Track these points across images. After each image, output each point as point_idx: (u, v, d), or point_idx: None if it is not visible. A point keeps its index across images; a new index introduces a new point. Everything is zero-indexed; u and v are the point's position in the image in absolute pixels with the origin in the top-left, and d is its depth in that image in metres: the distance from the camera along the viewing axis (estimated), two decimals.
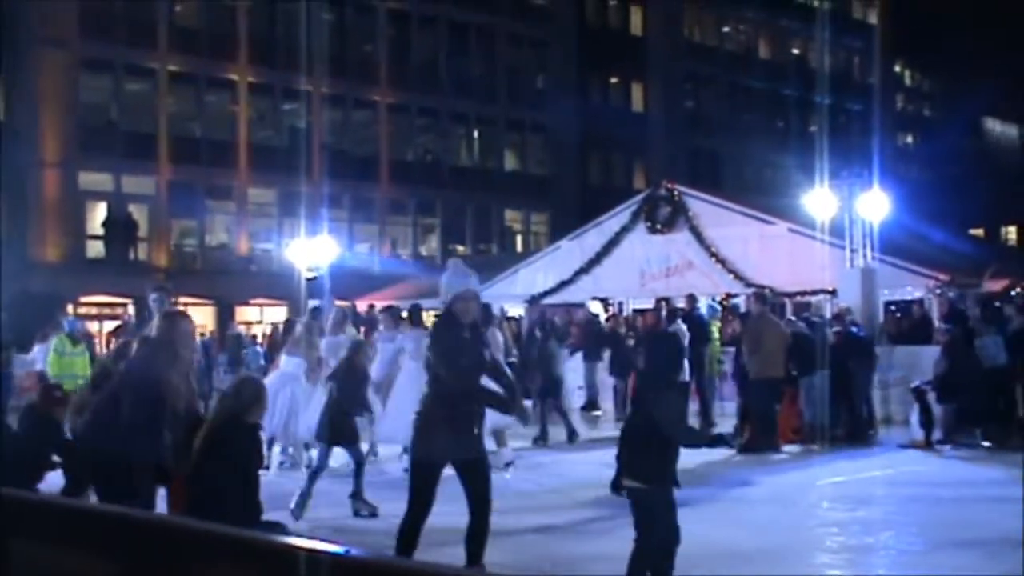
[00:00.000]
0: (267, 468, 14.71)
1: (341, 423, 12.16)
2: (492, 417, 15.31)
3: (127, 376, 8.39)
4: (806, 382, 17.75)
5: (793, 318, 19.98)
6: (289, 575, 3.32)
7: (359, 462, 12.19)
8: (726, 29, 63.78)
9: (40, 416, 10.31)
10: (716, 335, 21.18)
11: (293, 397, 15.02)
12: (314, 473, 12.05)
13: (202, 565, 3.75)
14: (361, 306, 30.89)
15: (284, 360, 15.52)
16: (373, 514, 11.73)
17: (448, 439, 8.21)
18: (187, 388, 8.49)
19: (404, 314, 16.93)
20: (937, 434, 17.19)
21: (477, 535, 8.11)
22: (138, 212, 42.33)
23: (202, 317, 37.15)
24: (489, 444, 15.50)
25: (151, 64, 42.12)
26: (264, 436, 14.46)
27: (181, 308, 9.07)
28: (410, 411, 14.13)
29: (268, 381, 14.60)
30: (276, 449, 15.43)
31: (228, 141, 44.57)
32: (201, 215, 44.38)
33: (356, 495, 11.97)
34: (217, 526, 3.96)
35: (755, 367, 17.27)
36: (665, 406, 7.78)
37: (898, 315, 24.81)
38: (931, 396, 17.41)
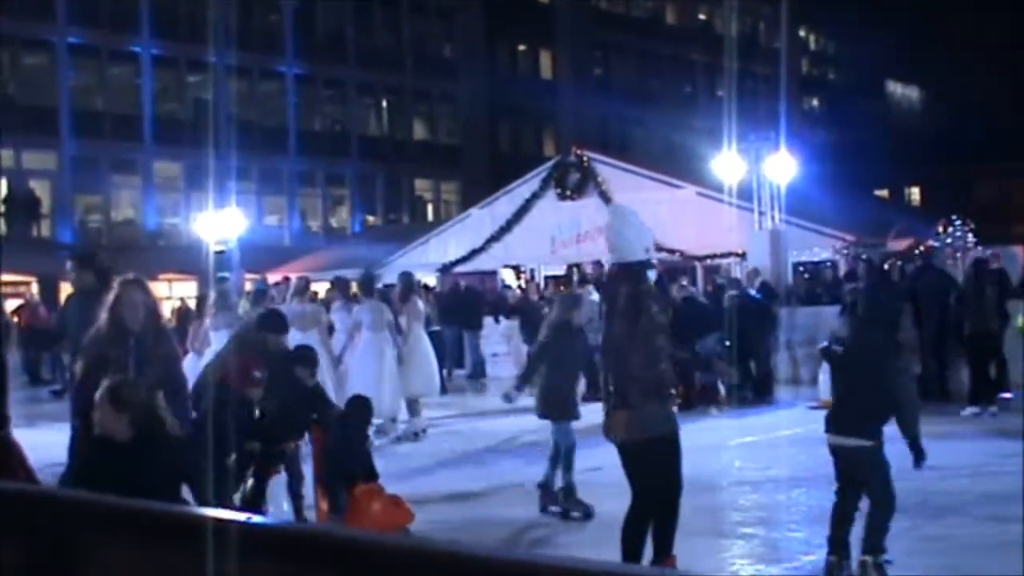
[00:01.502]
0: None
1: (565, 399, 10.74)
2: (409, 386, 15.53)
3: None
4: (700, 345, 18.00)
5: (684, 283, 20.17)
6: (196, 546, 3.27)
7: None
8: None
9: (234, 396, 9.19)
10: None
11: None
12: (558, 457, 10.58)
13: (105, 540, 3.69)
14: (273, 279, 30.63)
15: (212, 338, 14.97)
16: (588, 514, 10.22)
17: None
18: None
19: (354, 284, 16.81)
20: None
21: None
22: (40, 188, 41.53)
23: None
24: (403, 414, 15.69)
25: (50, 36, 41.26)
26: None
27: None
28: (372, 383, 14.46)
29: (203, 364, 14.47)
30: None
31: (132, 114, 43.87)
32: (106, 190, 43.71)
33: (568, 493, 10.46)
34: (119, 499, 3.89)
35: None
36: (890, 358, 7.69)
37: (806, 276, 25.13)
38: None
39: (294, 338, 14.90)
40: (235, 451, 8.43)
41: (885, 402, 7.61)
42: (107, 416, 6.33)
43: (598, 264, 21.76)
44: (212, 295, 16.03)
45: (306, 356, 9.64)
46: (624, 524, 7.50)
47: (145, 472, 6.03)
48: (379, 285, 17.69)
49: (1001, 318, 16.64)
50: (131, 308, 7.86)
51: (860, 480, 7.71)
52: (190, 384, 8.72)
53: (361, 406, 9.74)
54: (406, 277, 16.82)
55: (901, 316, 8.50)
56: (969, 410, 15.81)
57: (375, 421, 15.04)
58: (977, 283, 16.78)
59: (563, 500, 10.23)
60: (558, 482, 10.33)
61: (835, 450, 7.82)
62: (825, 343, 17.94)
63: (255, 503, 8.77)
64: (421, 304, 16.73)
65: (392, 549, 3.01)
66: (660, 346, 7.31)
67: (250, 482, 8.93)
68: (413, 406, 15.57)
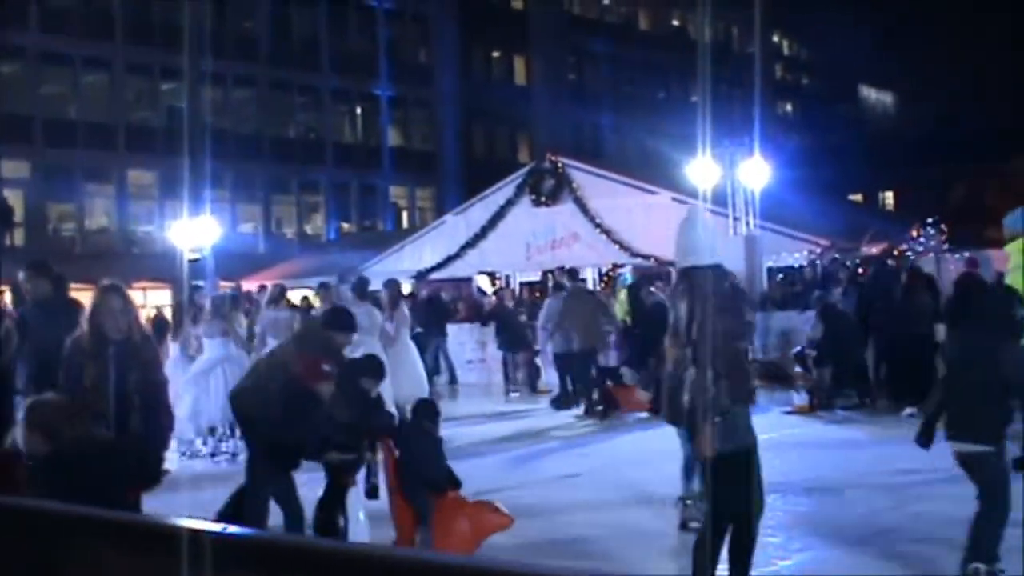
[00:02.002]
0: (213, 456, 14.63)
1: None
2: (397, 392, 15.61)
3: None
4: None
5: (653, 289, 20.26)
6: (171, 555, 3.27)
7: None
8: (606, 2, 64.17)
9: (304, 392, 8.76)
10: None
11: (228, 379, 14.69)
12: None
13: (81, 550, 3.67)
14: (248, 286, 30.53)
15: (205, 343, 15.13)
16: None
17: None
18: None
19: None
20: (819, 399, 17.50)
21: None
22: (13, 197, 41.22)
23: (84, 302, 36.44)
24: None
25: (22, 44, 41.04)
26: (203, 425, 14.34)
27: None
28: None
29: (195, 369, 14.47)
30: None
31: (106, 123, 43.72)
32: (79, 199, 43.55)
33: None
34: (94, 509, 3.87)
35: (579, 340, 17.83)
36: (1013, 358, 7.25)
37: (781, 280, 25.21)
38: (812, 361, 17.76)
39: (270, 344, 15.00)
40: (313, 450, 8.29)
41: (1005, 403, 7.32)
42: (25, 433, 6.33)
43: (572, 272, 21.76)
44: (207, 303, 16.08)
45: (372, 367, 9.39)
46: (696, 540, 7.24)
47: (63, 486, 5.98)
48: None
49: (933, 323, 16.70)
50: (109, 315, 7.78)
51: (977, 483, 7.38)
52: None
53: (430, 410, 9.35)
54: (394, 284, 17.04)
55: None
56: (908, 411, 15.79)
57: None
58: (910, 289, 17.03)
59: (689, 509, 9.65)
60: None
61: (957, 456, 7.47)
62: (799, 348, 18.16)
63: (330, 514, 8.52)
64: (407, 311, 16.86)
65: (371, 559, 3.01)
66: (743, 351, 7.17)
67: (324, 493, 8.69)
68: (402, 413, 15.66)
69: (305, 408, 8.31)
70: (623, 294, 21.30)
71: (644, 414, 17.30)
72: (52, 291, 9.72)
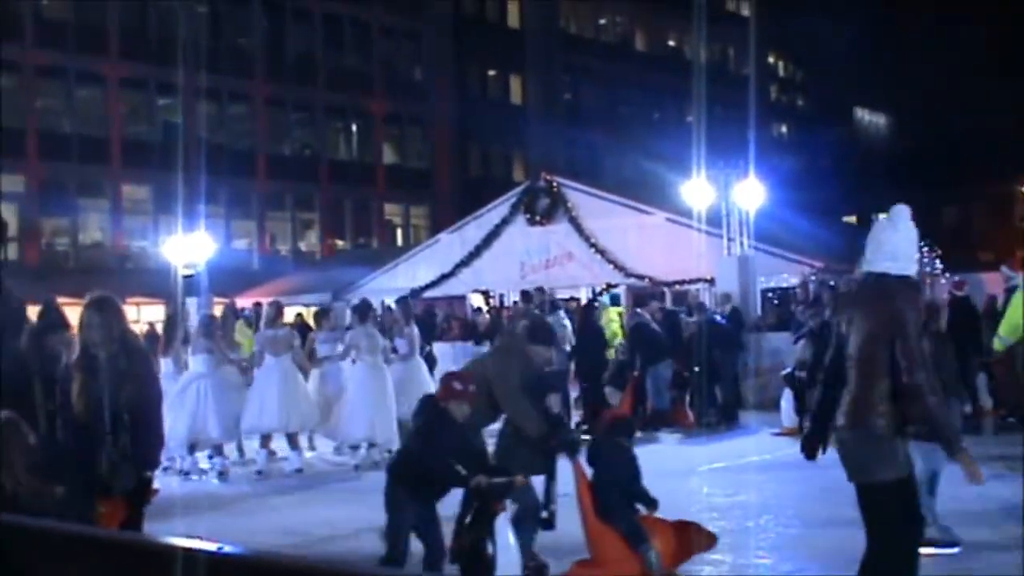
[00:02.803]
0: (186, 473, 14.60)
1: None
2: (405, 410, 15.70)
3: None
4: (652, 371, 18.23)
5: (639, 310, 20.33)
6: (166, 575, 3.26)
7: None
8: (602, 21, 64.24)
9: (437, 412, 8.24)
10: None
11: (201, 395, 14.70)
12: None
13: (75, 569, 3.66)
14: (242, 302, 30.52)
15: (192, 360, 15.18)
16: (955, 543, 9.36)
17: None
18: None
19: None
20: (807, 420, 17.49)
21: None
22: (7, 211, 41.28)
23: (76, 317, 36.33)
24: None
25: (17, 59, 41.02)
26: (183, 440, 14.34)
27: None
28: (372, 406, 14.75)
29: (177, 386, 14.50)
30: (202, 454, 15.30)
31: (100, 137, 43.73)
32: (73, 213, 43.51)
33: None
34: (89, 528, 3.87)
35: None
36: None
37: (775, 302, 25.23)
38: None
39: (268, 362, 15.04)
40: (443, 469, 7.82)
41: None
42: None
43: (540, 290, 21.87)
44: (197, 321, 16.21)
45: (557, 383, 9.13)
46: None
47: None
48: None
49: None
50: (89, 330, 7.75)
51: None
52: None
53: (625, 426, 9.00)
54: (405, 302, 17.38)
55: None
56: None
57: (377, 446, 15.16)
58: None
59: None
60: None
61: None
62: (789, 369, 18.17)
63: (477, 543, 7.95)
64: (417, 330, 17.09)
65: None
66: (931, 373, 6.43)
67: (470, 519, 8.07)
68: (402, 428, 15.76)
69: (434, 430, 7.95)
70: (604, 317, 21.28)
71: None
72: None
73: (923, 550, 7.85)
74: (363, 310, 15.97)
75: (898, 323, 6.32)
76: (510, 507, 8.25)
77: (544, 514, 8.65)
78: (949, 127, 64.62)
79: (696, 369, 18.57)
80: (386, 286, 30.30)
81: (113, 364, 7.56)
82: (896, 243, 6.60)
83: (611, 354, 20.77)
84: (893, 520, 6.46)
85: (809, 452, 6.80)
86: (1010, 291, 18.21)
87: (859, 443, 6.45)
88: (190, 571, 3.18)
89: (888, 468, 6.39)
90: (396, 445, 15.34)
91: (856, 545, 9.42)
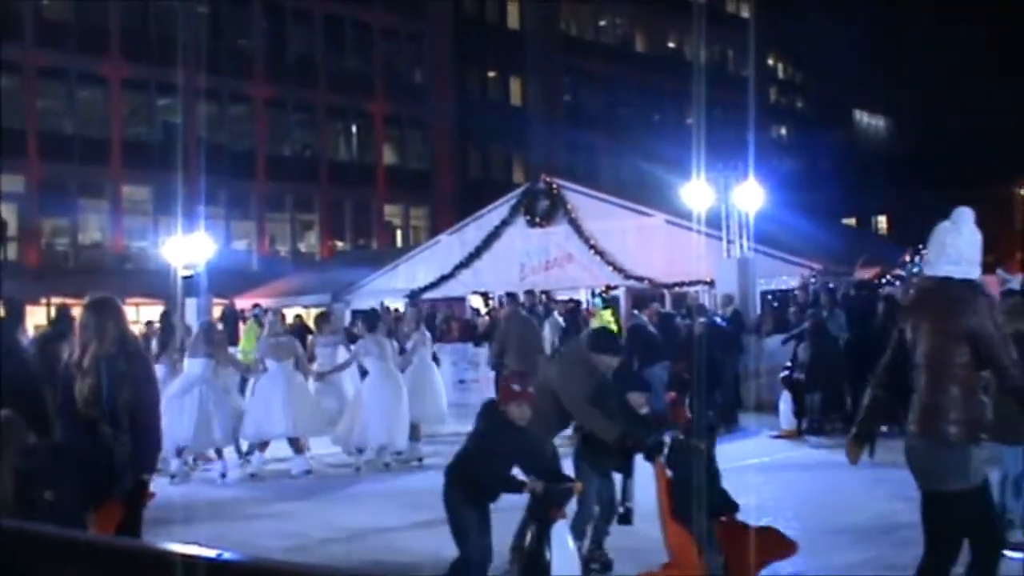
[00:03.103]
0: (173, 476, 14.55)
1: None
2: (418, 412, 15.80)
3: None
4: (648, 374, 18.26)
5: (636, 312, 20.42)
6: None
7: None
8: (602, 23, 64.24)
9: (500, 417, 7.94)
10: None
11: (203, 400, 14.70)
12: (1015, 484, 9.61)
13: (75, 574, 3.66)
14: (241, 303, 30.58)
15: (187, 363, 15.15)
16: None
17: None
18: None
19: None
20: (805, 422, 17.51)
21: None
22: (7, 211, 41.29)
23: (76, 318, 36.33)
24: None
25: (18, 59, 41.03)
26: (173, 446, 14.32)
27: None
28: (390, 411, 14.74)
29: (172, 389, 14.48)
30: (189, 458, 15.30)
31: (101, 138, 43.75)
32: (73, 213, 43.53)
33: None
34: (89, 534, 3.87)
35: (511, 362, 18.01)
36: None
37: (775, 305, 25.24)
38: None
39: (271, 368, 15.04)
40: (496, 475, 7.61)
41: None
42: None
43: (530, 294, 21.96)
44: (197, 326, 16.38)
45: (641, 382, 8.98)
46: None
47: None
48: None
49: None
50: (86, 331, 7.73)
51: None
52: None
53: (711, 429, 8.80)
54: (417, 308, 17.54)
55: None
56: None
57: (399, 450, 15.15)
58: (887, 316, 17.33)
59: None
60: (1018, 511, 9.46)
61: None
62: (788, 372, 18.17)
63: (536, 548, 7.66)
64: (428, 334, 17.24)
65: None
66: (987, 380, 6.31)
67: (530, 526, 7.78)
68: (414, 431, 15.85)
69: (492, 434, 7.75)
70: (598, 318, 21.27)
71: None
72: None
73: (1010, 553, 7.80)
74: (372, 320, 16.07)
75: (975, 330, 6.22)
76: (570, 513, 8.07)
77: (621, 510, 8.65)
78: (949, 129, 64.65)
79: (687, 374, 18.69)
80: (386, 287, 30.34)
81: (112, 366, 7.53)
82: (959, 247, 6.41)
83: None
84: (957, 530, 6.33)
85: (853, 456, 6.75)
86: (1005, 294, 18.25)
87: (930, 451, 6.34)
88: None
89: (959, 477, 6.26)
90: (405, 447, 15.50)
91: (855, 545, 9.46)
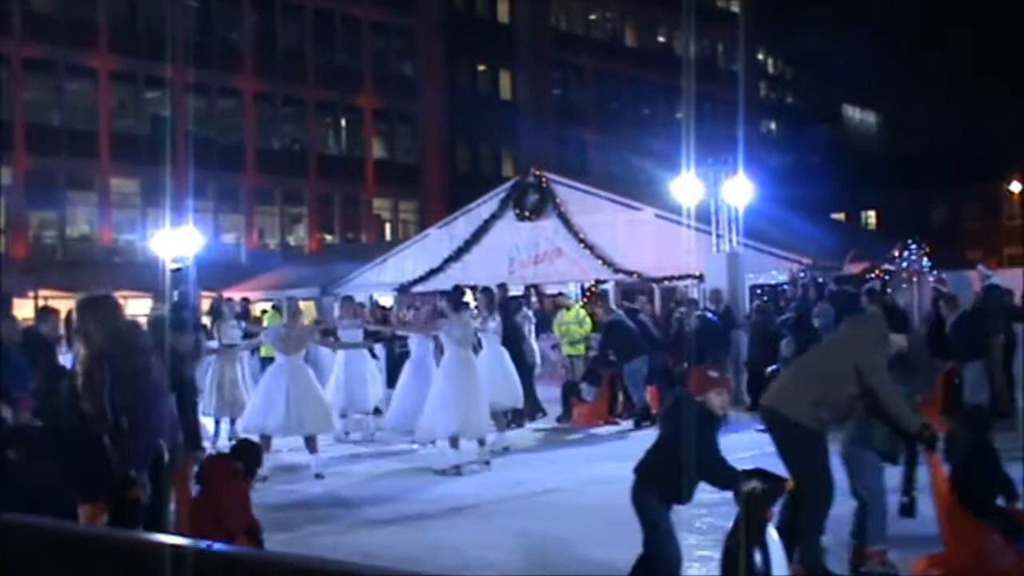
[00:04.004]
0: None
1: None
2: (496, 401, 15.57)
3: None
4: (628, 367, 18.41)
5: (614, 307, 20.49)
6: (155, 572, 3.24)
7: None
8: (592, 17, 64.21)
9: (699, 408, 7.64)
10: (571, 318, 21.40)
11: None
12: None
13: (65, 564, 3.65)
14: (230, 296, 30.47)
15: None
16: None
17: None
18: None
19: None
20: None
21: None
22: None
23: (64, 311, 36.27)
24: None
25: (5, 51, 40.89)
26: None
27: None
28: (463, 405, 14.18)
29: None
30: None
31: (89, 130, 43.64)
32: (61, 206, 43.42)
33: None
34: (79, 525, 3.85)
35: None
36: None
37: (764, 299, 25.25)
38: None
39: (278, 361, 14.86)
40: (715, 468, 7.33)
41: None
42: None
43: (501, 287, 21.96)
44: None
45: (913, 368, 8.55)
46: None
47: None
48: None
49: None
50: (81, 329, 7.71)
51: None
52: None
53: (987, 418, 8.50)
54: (488, 291, 17.36)
55: None
56: None
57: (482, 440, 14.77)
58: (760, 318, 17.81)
59: None
60: None
61: None
62: (775, 366, 18.18)
63: (746, 550, 7.27)
64: (498, 318, 17.14)
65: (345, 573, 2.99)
66: None
67: (739, 527, 7.38)
68: (499, 421, 15.80)
69: (695, 427, 7.36)
70: (573, 313, 21.24)
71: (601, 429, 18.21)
72: None
73: None
74: (456, 298, 15.39)
75: None
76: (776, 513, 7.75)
77: (904, 500, 8.41)
78: (938, 125, 64.77)
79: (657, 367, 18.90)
80: (375, 281, 30.31)
81: (102, 363, 7.50)
82: None
83: (580, 350, 20.78)
84: None
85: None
86: (987, 289, 18.32)
87: None
88: (178, 567, 3.17)
89: None
90: (487, 435, 14.99)
91: (848, 539, 9.44)
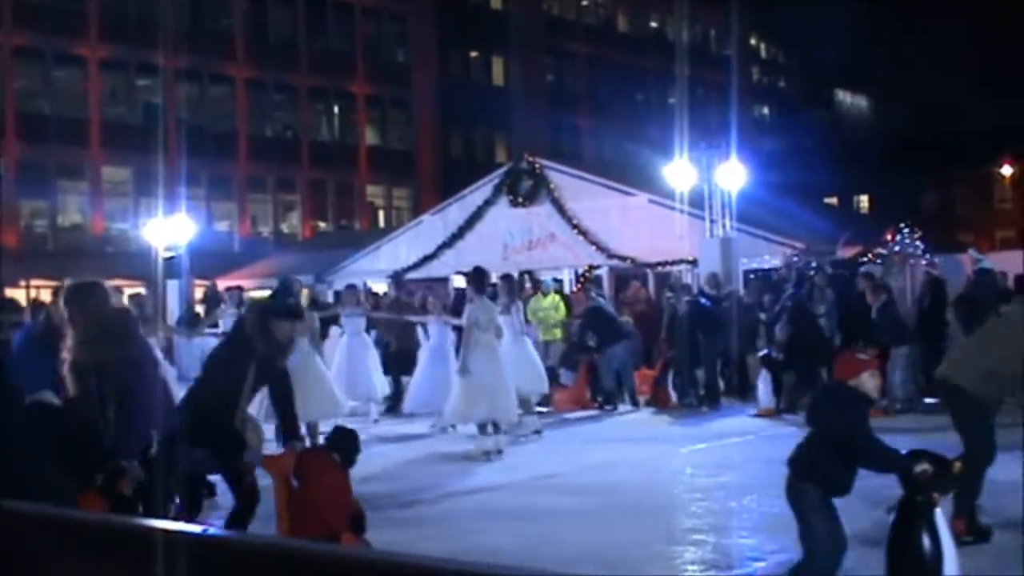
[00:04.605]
0: None
1: None
2: (522, 386, 15.54)
3: None
4: (607, 353, 18.59)
5: (594, 294, 20.56)
6: (147, 558, 3.23)
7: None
8: (585, 2, 64.17)
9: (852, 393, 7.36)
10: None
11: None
12: None
13: (53, 553, 3.62)
14: (223, 284, 30.42)
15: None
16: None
17: None
18: None
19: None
20: (784, 402, 17.53)
21: None
22: None
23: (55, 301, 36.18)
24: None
25: None
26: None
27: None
28: (489, 390, 14.05)
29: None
30: None
31: (80, 118, 43.51)
32: (52, 195, 43.31)
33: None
34: (68, 511, 3.83)
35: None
36: None
37: (755, 282, 25.23)
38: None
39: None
40: (880, 453, 7.06)
41: None
42: None
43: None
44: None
45: None
46: None
47: None
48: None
49: None
50: (70, 317, 7.66)
51: None
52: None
53: None
54: (510, 278, 17.45)
55: None
56: None
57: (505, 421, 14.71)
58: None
59: None
60: None
61: None
62: (766, 351, 18.22)
63: (912, 538, 6.96)
64: (520, 304, 17.31)
65: (350, 562, 2.98)
66: None
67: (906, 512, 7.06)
68: (526, 405, 15.82)
69: (850, 412, 7.15)
70: (549, 299, 21.19)
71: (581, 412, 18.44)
72: None
73: None
74: (480, 279, 14.96)
75: None
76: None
77: None
78: (930, 110, 64.82)
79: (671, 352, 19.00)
80: (368, 268, 30.25)
81: (93, 351, 7.44)
82: None
83: (556, 335, 20.77)
84: None
85: None
86: (978, 273, 18.36)
87: None
88: (171, 553, 3.15)
89: None
90: (515, 420, 15.04)
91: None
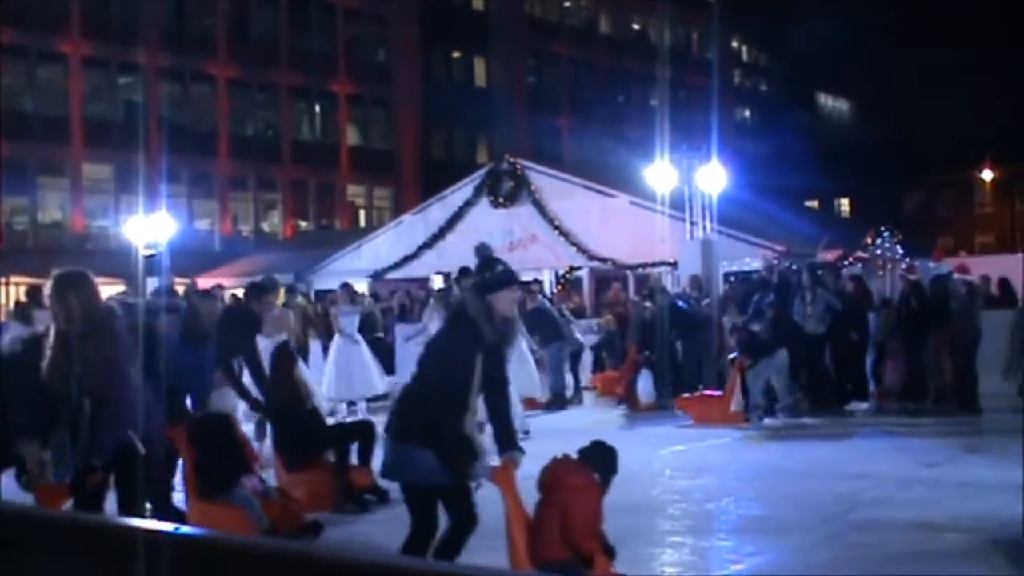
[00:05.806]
0: None
1: None
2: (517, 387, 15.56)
3: None
4: (549, 351, 18.85)
5: (540, 296, 20.70)
6: (128, 557, 3.24)
7: None
8: (567, 4, 64.19)
9: None
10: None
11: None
12: None
13: (35, 552, 3.64)
14: (203, 283, 30.34)
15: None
16: None
17: None
18: None
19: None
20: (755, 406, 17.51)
21: None
22: None
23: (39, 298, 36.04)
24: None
25: None
26: None
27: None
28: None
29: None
30: None
31: (61, 116, 43.35)
32: (32, 192, 43.14)
33: None
34: (51, 511, 3.84)
35: None
36: None
37: (734, 284, 25.28)
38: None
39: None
40: None
41: None
42: None
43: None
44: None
45: None
46: None
47: None
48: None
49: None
50: (53, 307, 7.60)
51: None
52: None
53: None
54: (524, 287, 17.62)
55: None
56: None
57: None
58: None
59: None
60: None
61: None
62: (734, 354, 18.26)
63: None
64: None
65: (335, 562, 3.00)
66: None
67: None
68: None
69: None
70: None
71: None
72: None
73: None
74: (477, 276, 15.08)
75: None
76: None
77: None
78: (911, 114, 65.02)
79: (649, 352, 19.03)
80: (349, 268, 30.23)
81: (74, 343, 7.35)
82: None
83: None
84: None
85: None
86: (936, 279, 18.41)
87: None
88: (152, 552, 3.16)
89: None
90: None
91: (816, 526, 9.50)
